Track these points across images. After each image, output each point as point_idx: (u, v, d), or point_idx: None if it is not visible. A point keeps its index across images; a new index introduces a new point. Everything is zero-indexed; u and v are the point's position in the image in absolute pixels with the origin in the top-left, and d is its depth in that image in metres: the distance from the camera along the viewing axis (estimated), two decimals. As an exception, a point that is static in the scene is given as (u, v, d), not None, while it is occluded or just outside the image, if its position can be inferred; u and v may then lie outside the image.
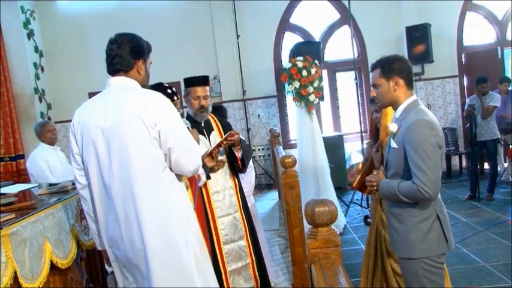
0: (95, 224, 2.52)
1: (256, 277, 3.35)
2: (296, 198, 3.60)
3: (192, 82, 3.28)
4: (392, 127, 2.53)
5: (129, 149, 2.25)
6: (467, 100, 7.16)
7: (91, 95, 8.11)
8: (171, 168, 2.36)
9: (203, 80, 3.33)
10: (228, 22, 8.22)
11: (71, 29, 8.27)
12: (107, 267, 3.81)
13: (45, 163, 4.80)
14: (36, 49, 8.04)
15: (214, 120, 3.48)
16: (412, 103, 2.50)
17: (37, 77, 7.99)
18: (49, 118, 8.16)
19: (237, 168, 3.41)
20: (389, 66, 2.50)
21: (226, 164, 3.37)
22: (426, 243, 2.43)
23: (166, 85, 3.28)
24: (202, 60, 8.20)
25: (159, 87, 3.22)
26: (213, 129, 3.43)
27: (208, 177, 3.23)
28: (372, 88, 2.65)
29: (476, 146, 6.73)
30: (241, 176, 3.62)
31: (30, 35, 7.89)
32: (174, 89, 3.29)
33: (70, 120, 2.55)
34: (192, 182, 2.80)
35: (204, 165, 3.10)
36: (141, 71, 2.41)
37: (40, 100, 8.03)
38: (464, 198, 6.79)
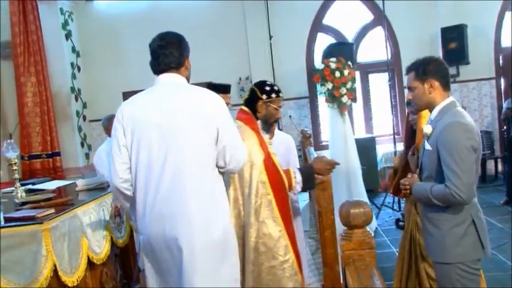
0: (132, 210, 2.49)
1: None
2: (328, 200, 3.58)
3: (222, 89, 3.35)
4: (427, 129, 2.50)
5: (185, 149, 2.26)
6: (504, 103, 6.99)
7: (125, 94, 8.28)
8: (219, 167, 2.40)
9: (226, 89, 3.42)
10: (261, 22, 8.24)
11: (106, 30, 8.44)
12: (139, 264, 3.89)
13: (109, 157, 4.90)
14: (73, 49, 8.25)
15: None
16: (449, 105, 2.47)
17: (74, 76, 8.19)
18: (84, 117, 8.37)
19: None
20: (423, 69, 2.48)
21: None
22: (461, 248, 2.39)
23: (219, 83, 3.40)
24: (235, 60, 8.24)
25: (210, 84, 3.32)
26: None
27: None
28: (407, 91, 2.64)
29: None
30: None
31: (68, 35, 8.10)
32: (228, 85, 3.41)
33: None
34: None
35: None
36: (188, 68, 2.47)
37: (76, 99, 8.24)
38: (500, 203, 6.63)
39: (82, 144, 8.26)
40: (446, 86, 2.49)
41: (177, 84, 2.39)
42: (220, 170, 2.40)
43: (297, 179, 2.87)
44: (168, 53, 2.37)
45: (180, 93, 2.35)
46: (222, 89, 3.33)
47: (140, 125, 2.30)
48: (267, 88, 3.03)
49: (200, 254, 2.26)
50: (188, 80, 2.50)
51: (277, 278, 2.69)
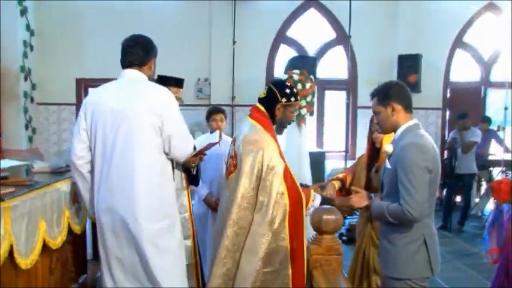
0: (89, 193, 2.89)
1: (198, 278, 3.39)
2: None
3: (176, 83, 3.43)
4: (388, 148, 2.64)
5: (131, 133, 2.65)
6: (451, 133, 7.42)
7: (78, 81, 8.06)
8: (166, 154, 2.80)
9: (179, 82, 3.51)
10: (226, 27, 8.28)
11: (67, 13, 8.17)
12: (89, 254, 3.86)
13: None
14: (28, 27, 7.90)
15: None
16: (411, 126, 2.60)
17: (25, 55, 7.84)
18: (32, 99, 8.04)
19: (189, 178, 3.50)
20: (384, 94, 2.62)
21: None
22: (412, 265, 2.53)
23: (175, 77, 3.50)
24: (196, 61, 8.20)
25: (168, 78, 3.35)
26: None
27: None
28: (374, 114, 2.77)
29: (453, 178, 6.98)
30: None
31: (23, 12, 7.75)
32: (182, 80, 3.51)
33: (53, 104, 2.89)
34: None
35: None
36: (151, 68, 2.88)
37: (25, 79, 7.90)
38: (437, 227, 6.99)
39: (26, 127, 7.91)
40: (408, 109, 2.63)
41: (136, 79, 2.77)
42: (167, 156, 2.80)
43: (315, 203, 2.89)
44: (134, 52, 2.77)
45: (135, 86, 2.74)
46: (173, 81, 3.39)
47: (98, 109, 2.71)
48: (287, 91, 2.94)
49: (145, 225, 2.66)
50: (151, 78, 2.91)
51: (269, 283, 2.71)
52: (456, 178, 7.00)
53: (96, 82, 4.56)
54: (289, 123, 3.07)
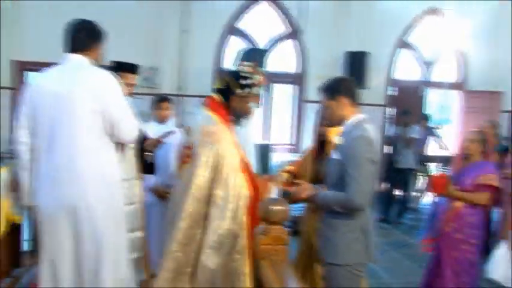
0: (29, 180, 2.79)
1: (148, 269, 3.39)
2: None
3: (130, 69, 3.36)
4: (337, 140, 2.76)
5: (72, 115, 2.62)
6: (393, 129, 7.69)
7: (13, 62, 7.60)
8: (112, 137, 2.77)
9: (135, 69, 3.45)
10: (175, 14, 8.16)
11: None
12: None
13: None
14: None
15: None
16: (360, 120, 2.72)
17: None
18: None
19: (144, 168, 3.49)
20: (332, 88, 2.73)
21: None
22: (352, 251, 2.67)
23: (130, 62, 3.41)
24: (143, 48, 7.97)
25: (123, 64, 3.32)
26: None
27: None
28: (322, 108, 2.87)
29: (394, 172, 7.25)
30: None
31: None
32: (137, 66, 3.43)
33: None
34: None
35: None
36: (96, 53, 2.82)
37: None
38: (376, 219, 7.26)
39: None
40: (355, 103, 2.75)
41: (79, 64, 2.73)
42: (112, 139, 2.77)
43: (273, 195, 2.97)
44: (77, 37, 2.75)
45: (77, 70, 2.70)
46: (128, 67, 3.33)
47: (39, 94, 2.68)
48: (244, 82, 2.92)
49: (89, 214, 2.63)
50: (98, 63, 2.88)
51: (227, 275, 2.75)
52: (396, 172, 7.27)
53: (36, 65, 4.37)
54: (247, 115, 3.06)
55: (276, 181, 3.28)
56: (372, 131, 2.68)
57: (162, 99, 4.42)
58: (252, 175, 2.87)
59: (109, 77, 2.76)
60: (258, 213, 2.81)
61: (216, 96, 2.94)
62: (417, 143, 7.51)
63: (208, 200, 2.73)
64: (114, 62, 3.37)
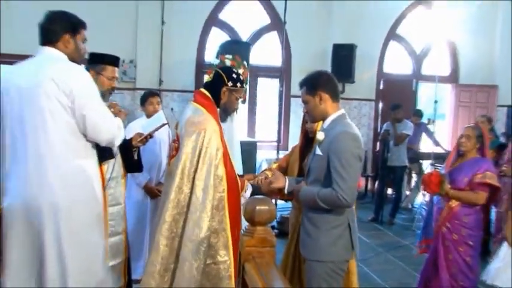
0: None
1: (125, 275, 3.33)
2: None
3: (111, 61, 3.26)
4: (319, 135, 2.76)
5: (43, 112, 2.52)
6: (384, 125, 7.68)
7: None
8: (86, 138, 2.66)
9: (117, 61, 3.37)
10: (155, 5, 8.06)
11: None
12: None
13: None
14: None
15: None
16: (340, 116, 2.76)
17: None
18: None
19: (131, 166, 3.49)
20: (312, 83, 2.77)
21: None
22: (335, 247, 2.69)
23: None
24: (121, 41, 7.88)
25: (102, 56, 3.24)
26: None
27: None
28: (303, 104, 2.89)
29: (385, 170, 7.25)
30: None
31: None
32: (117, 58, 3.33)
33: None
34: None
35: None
36: (69, 45, 2.71)
37: None
38: (368, 219, 7.27)
39: None
40: (335, 98, 2.78)
41: (50, 56, 2.66)
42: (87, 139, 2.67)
43: (247, 193, 3.05)
44: (49, 28, 2.69)
45: (46, 63, 2.60)
46: (108, 60, 3.25)
47: (8, 88, 2.60)
48: (234, 75, 3.06)
49: (61, 214, 2.51)
50: (77, 57, 2.77)
51: (211, 276, 2.79)
52: (388, 170, 7.27)
53: (12, 58, 4.24)
54: (233, 111, 3.21)
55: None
56: (355, 127, 2.73)
57: (152, 94, 4.58)
58: (233, 170, 2.94)
59: (78, 69, 2.67)
60: (238, 209, 2.86)
61: (204, 90, 3.03)
62: (411, 140, 7.51)
63: (191, 191, 2.78)
64: (94, 53, 3.29)
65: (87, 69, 3.19)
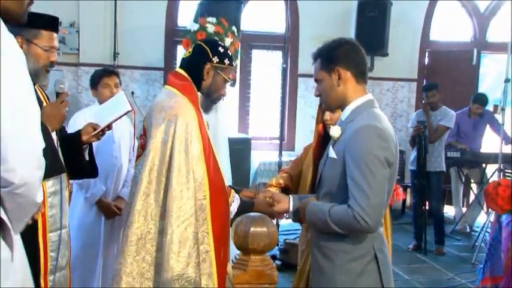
0: None
1: None
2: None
3: (48, 23, 3.20)
4: (334, 131, 2.72)
5: None
6: (414, 115, 7.74)
7: None
8: None
9: (57, 24, 3.29)
10: None
11: None
12: None
13: None
14: None
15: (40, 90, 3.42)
16: (365, 103, 2.69)
17: None
18: None
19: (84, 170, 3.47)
20: (329, 55, 2.70)
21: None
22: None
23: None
24: (57, 3, 7.85)
25: (39, 16, 3.18)
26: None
27: None
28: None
29: (423, 179, 7.22)
30: None
31: None
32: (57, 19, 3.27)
33: None
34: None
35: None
36: None
37: None
38: (409, 248, 7.32)
39: None
40: (360, 78, 2.71)
41: None
42: None
43: (233, 207, 3.06)
44: None
45: None
46: (44, 22, 3.15)
47: None
48: (221, 50, 3.09)
49: None
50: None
51: None
52: (424, 178, 7.18)
53: None
54: (220, 97, 3.19)
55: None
56: (385, 119, 2.68)
57: (107, 73, 4.53)
58: (218, 171, 2.96)
59: None
60: (226, 224, 2.89)
61: (181, 70, 3.06)
62: (467, 135, 7.50)
63: (162, 194, 2.82)
64: (30, 14, 3.29)
65: (13, 35, 3.19)
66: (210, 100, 3.12)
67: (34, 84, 3.31)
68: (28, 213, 2.14)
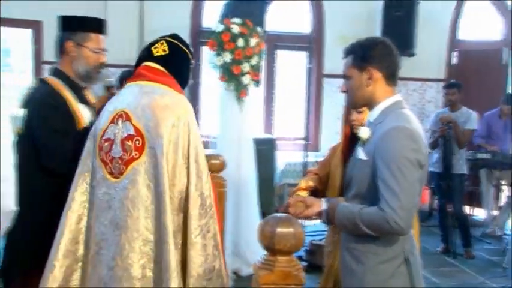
0: None
1: None
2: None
3: (96, 27, 3.31)
4: (363, 132, 2.73)
5: None
6: (433, 115, 7.67)
7: None
8: None
9: (104, 27, 3.41)
10: None
11: None
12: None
13: None
14: None
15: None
16: (394, 104, 2.70)
17: None
18: None
19: None
20: (363, 53, 2.70)
21: None
22: None
23: None
24: (84, 3, 7.93)
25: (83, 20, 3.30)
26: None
27: None
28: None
29: (447, 181, 7.16)
30: None
31: None
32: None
33: None
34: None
35: None
36: None
37: None
38: (437, 251, 7.28)
39: None
40: (391, 80, 2.73)
41: None
42: None
43: None
44: None
45: None
46: (93, 24, 3.29)
47: None
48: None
49: None
50: None
51: None
52: (448, 180, 7.13)
53: None
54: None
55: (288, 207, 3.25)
56: (415, 120, 2.68)
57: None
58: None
59: None
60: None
61: (156, 65, 3.00)
62: (497, 136, 7.43)
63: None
64: (67, 17, 3.33)
65: (62, 39, 3.25)
66: None
67: (84, 88, 3.40)
68: None
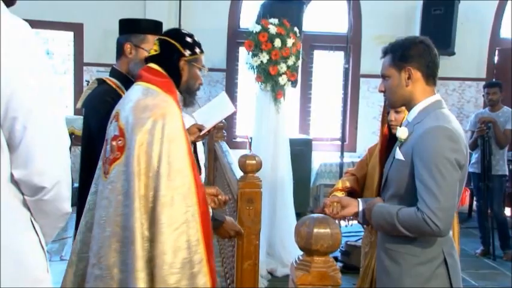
0: None
1: None
2: (255, 218, 3.66)
3: (153, 28, 3.28)
4: (401, 132, 2.72)
5: None
6: (473, 115, 7.57)
7: None
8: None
9: (160, 28, 3.35)
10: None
11: None
12: None
13: None
14: None
15: None
16: (433, 104, 2.68)
17: None
18: None
19: None
20: (403, 52, 2.69)
21: None
22: None
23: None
24: (126, 8, 7.98)
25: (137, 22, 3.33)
26: None
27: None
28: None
29: (487, 182, 7.07)
30: None
31: None
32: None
33: None
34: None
35: None
36: None
37: None
38: (476, 253, 7.20)
39: None
40: (430, 79, 2.71)
41: None
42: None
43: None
44: None
45: None
46: (146, 26, 3.28)
47: None
48: (189, 39, 2.93)
49: None
50: None
51: None
52: (488, 181, 7.04)
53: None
54: (198, 89, 3.07)
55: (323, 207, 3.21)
56: (454, 120, 2.66)
57: None
58: (197, 174, 2.82)
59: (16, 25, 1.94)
60: (210, 231, 2.79)
61: (154, 65, 2.93)
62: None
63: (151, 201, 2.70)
64: (125, 20, 3.36)
65: (122, 42, 3.27)
66: (189, 94, 3.03)
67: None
68: (56, 225, 2.21)
